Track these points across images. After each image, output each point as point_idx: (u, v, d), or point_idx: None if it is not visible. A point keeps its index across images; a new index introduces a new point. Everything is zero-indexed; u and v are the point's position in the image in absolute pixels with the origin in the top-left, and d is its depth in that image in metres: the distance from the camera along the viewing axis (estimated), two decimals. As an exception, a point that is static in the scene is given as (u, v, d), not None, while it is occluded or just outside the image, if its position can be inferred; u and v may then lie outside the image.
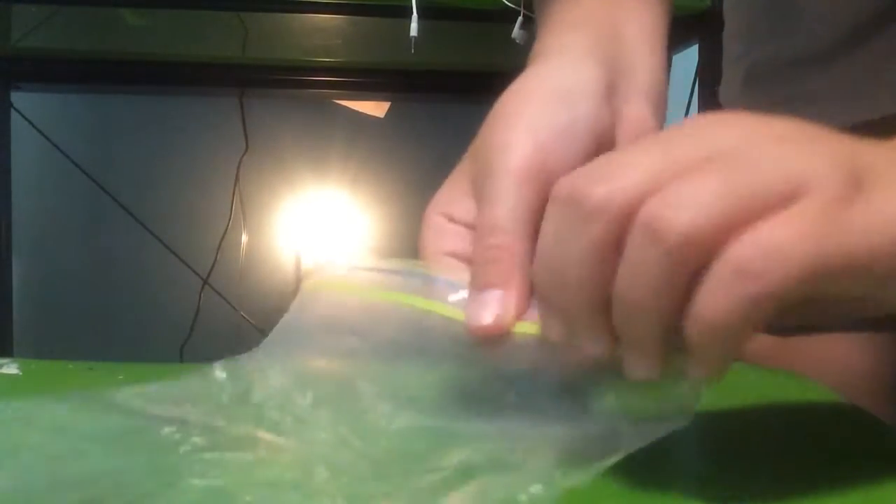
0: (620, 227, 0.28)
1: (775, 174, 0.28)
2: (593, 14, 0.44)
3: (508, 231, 0.35)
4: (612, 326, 0.30)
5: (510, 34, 1.33)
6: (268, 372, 0.35)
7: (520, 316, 0.34)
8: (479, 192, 0.37)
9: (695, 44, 1.45)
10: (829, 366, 0.58)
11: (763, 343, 0.61)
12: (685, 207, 0.27)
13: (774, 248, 0.26)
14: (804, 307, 0.29)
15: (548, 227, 0.31)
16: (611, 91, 0.40)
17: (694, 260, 0.27)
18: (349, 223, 1.99)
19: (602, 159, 0.31)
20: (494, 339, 0.34)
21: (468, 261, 0.37)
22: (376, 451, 0.33)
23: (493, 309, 0.34)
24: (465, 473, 0.30)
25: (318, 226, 1.98)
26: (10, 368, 0.48)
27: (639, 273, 0.28)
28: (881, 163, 0.30)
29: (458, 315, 0.35)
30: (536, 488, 0.28)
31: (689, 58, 1.46)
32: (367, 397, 0.35)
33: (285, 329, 0.37)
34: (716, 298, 0.27)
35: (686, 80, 1.47)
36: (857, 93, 0.54)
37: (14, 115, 1.73)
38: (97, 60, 1.68)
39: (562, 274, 0.30)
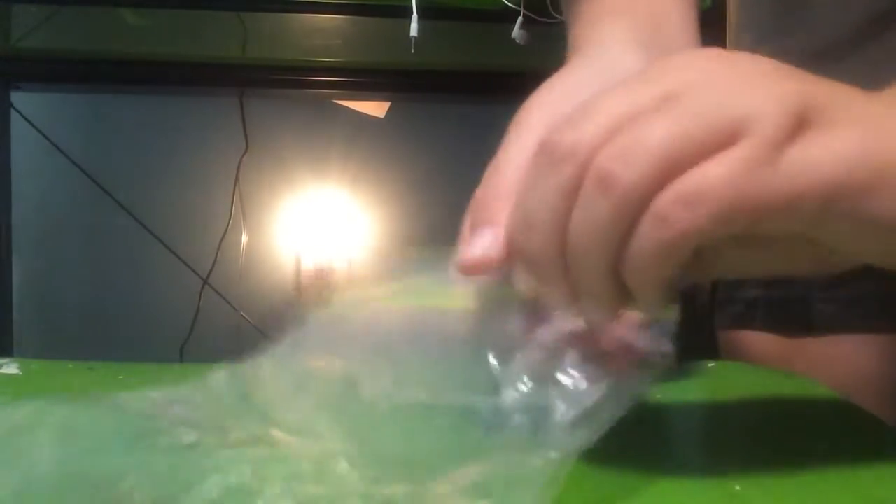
0: (582, 174, 0.30)
1: (720, 116, 0.29)
2: (633, 3, 0.44)
3: (506, 173, 0.35)
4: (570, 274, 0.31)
5: (510, 34, 1.33)
6: (267, 375, 0.36)
7: (503, 255, 0.34)
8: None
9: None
10: (835, 367, 0.58)
11: (771, 345, 0.62)
12: (630, 160, 0.29)
13: (689, 195, 0.28)
14: (743, 250, 0.31)
15: (526, 176, 0.32)
16: None
17: (635, 207, 0.29)
18: (349, 223, 1.99)
19: (578, 106, 0.32)
20: (480, 270, 0.34)
21: None
22: (388, 438, 0.33)
23: (480, 243, 0.34)
24: (481, 451, 0.30)
25: (318, 226, 1.98)
26: (10, 368, 0.48)
27: (588, 218, 0.30)
28: (836, 104, 0.30)
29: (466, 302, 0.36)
30: (552, 454, 0.29)
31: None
32: (369, 388, 0.35)
33: (284, 345, 0.38)
34: (640, 245, 0.29)
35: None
36: (868, 88, 0.54)
37: (14, 115, 1.73)
38: (97, 60, 1.68)
39: (529, 217, 0.32)
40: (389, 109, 1.94)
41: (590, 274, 0.31)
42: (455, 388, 0.34)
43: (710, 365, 0.53)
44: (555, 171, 0.30)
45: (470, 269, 0.35)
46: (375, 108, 1.94)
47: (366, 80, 1.75)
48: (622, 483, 0.33)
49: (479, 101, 1.74)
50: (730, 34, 0.66)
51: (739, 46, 0.65)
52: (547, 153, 0.31)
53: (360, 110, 1.93)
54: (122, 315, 1.95)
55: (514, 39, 1.32)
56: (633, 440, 0.38)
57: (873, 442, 0.39)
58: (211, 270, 1.93)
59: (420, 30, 1.31)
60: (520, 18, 1.32)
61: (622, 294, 0.31)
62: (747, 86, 0.30)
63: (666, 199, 0.28)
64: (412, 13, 1.31)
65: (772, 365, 0.56)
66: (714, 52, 0.32)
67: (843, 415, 0.44)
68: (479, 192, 0.36)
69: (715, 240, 0.29)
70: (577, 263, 0.31)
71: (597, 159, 0.29)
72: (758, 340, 0.62)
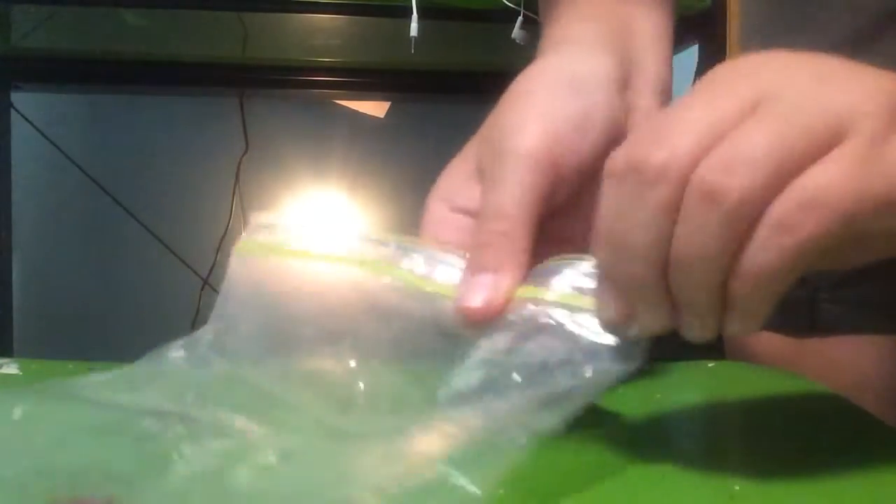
0: (680, 191, 0.29)
1: (818, 118, 0.28)
2: (604, 7, 0.44)
3: (511, 217, 0.35)
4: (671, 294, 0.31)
5: (510, 34, 1.33)
6: (226, 351, 0.35)
7: (510, 301, 0.34)
8: (487, 175, 0.37)
9: (695, 44, 1.45)
10: (840, 367, 0.58)
11: (776, 345, 0.62)
12: (738, 171, 0.28)
13: (811, 199, 0.27)
14: (845, 248, 0.30)
15: (608, 203, 0.31)
16: (623, 83, 0.40)
17: (748, 217, 0.28)
18: (349, 223, 1.98)
19: (651, 124, 0.31)
20: (481, 321, 0.34)
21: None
22: (353, 425, 0.33)
23: (484, 291, 0.34)
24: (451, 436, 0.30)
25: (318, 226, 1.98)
26: (10, 368, 0.48)
27: (694, 236, 0.29)
28: None
29: (434, 287, 0.36)
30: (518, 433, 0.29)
31: (689, 58, 1.46)
32: (330, 368, 0.35)
33: (227, 302, 0.37)
34: (761, 254, 0.28)
35: (686, 80, 1.46)
36: None
37: (14, 115, 1.73)
38: (97, 60, 1.68)
39: (626, 244, 0.30)
40: (389, 109, 1.94)
41: (697, 292, 0.30)
42: (430, 376, 0.35)
43: (710, 365, 0.53)
44: (648, 193, 0.29)
45: (471, 317, 0.34)
46: (375, 108, 1.94)
47: (366, 80, 1.75)
48: (623, 482, 0.33)
49: (479, 101, 1.74)
50: (730, 33, 0.66)
51: (748, 47, 0.65)
52: (633, 175, 0.30)
53: (360, 110, 1.93)
54: (122, 315, 1.94)
55: (514, 39, 1.32)
56: (633, 439, 0.38)
57: (873, 442, 0.39)
58: (211, 270, 1.92)
59: (420, 30, 1.31)
60: (520, 18, 1.32)
61: (725, 309, 0.30)
62: (836, 84, 0.29)
63: (787, 206, 0.28)
64: (412, 13, 1.31)
65: (777, 365, 0.56)
66: (781, 55, 0.31)
67: (843, 415, 0.44)
68: (482, 221, 0.36)
69: (836, 242, 0.28)
70: (683, 282, 0.30)
71: (698, 174, 0.28)
72: (763, 340, 0.62)
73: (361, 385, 0.34)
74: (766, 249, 0.28)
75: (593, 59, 0.40)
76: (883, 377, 0.58)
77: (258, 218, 0.38)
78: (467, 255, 0.37)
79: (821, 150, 0.28)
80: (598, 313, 0.33)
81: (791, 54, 0.31)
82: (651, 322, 0.32)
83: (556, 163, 0.36)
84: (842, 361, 0.59)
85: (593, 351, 0.32)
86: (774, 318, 0.62)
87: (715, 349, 0.66)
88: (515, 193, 0.35)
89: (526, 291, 0.35)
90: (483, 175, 0.37)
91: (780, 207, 0.28)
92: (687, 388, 0.48)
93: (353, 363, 0.35)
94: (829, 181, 0.28)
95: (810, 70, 0.31)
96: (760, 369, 0.54)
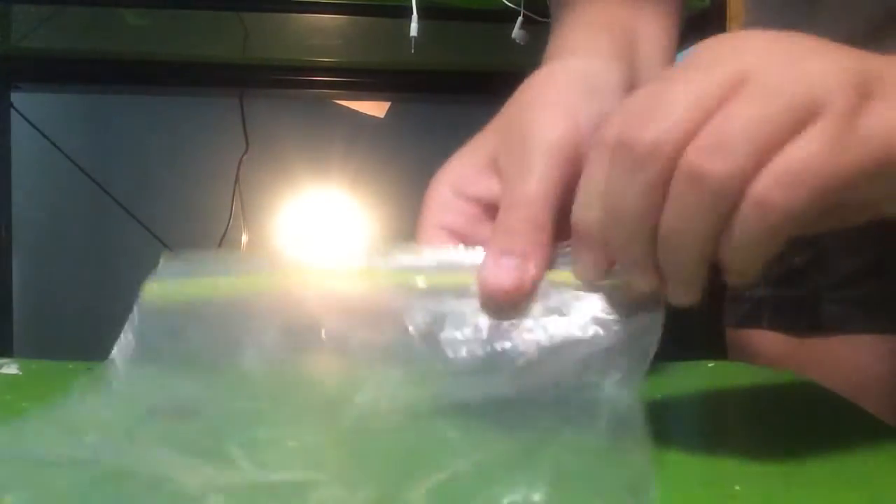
0: (669, 169, 0.31)
1: (794, 97, 0.30)
2: (612, 14, 0.45)
3: (538, 205, 0.36)
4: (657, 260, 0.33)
5: (510, 34, 1.33)
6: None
7: (534, 287, 0.36)
8: (509, 166, 0.38)
9: (695, 44, 1.44)
10: (842, 366, 0.58)
11: (776, 344, 0.62)
12: (721, 154, 0.30)
13: (790, 177, 0.29)
14: (822, 217, 0.32)
15: (597, 169, 0.33)
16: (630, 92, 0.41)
17: (732, 196, 0.30)
18: (349, 223, 1.99)
19: (639, 97, 0.33)
20: (510, 302, 0.35)
21: (464, 239, 0.38)
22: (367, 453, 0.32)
23: (513, 273, 0.35)
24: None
25: (318, 226, 1.98)
26: (10, 368, 0.48)
27: (683, 213, 0.31)
28: (890, 72, 0.32)
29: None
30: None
31: (689, 58, 1.46)
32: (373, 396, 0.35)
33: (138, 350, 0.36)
34: (744, 232, 0.30)
35: (686, 80, 1.46)
36: None
37: (14, 115, 1.73)
38: (97, 60, 1.68)
39: (615, 211, 0.32)
40: (389, 109, 1.94)
41: (683, 263, 0.32)
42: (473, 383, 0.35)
43: (710, 365, 0.53)
44: (639, 169, 0.31)
45: (499, 296, 0.35)
46: (375, 108, 1.94)
47: (366, 80, 1.75)
48: (622, 483, 0.32)
49: (479, 101, 1.74)
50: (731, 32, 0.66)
51: None
52: (625, 152, 0.31)
53: (360, 110, 1.93)
54: (122, 315, 1.94)
55: (514, 39, 1.32)
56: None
57: (873, 442, 0.39)
58: (211, 270, 1.92)
59: (420, 30, 1.31)
60: (520, 18, 1.32)
61: (708, 275, 0.32)
62: (809, 63, 0.31)
63: (765, 185, 0.29)
64: (412, 13, 1.31)
65: (777, 365, 0.56)
66: (759, 34, 0.33)
67: (844, 415, 0.44)
68: (510, 208, 0.36)
69: (814, 213, 0.30)
70: (670, 254, 0.32)
71: (685, 156, 0.30)
72: (765, 340, 0.62)
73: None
74: (748, 225, 0.30)
75: (604, 67, 0.41)
76: (883, 377, 0.58)
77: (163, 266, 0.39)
78: (474, 246, 0.38)
79: (798, 126, 0.30)
80: (575, 269, 0.35)
81: (768, 33, 0.33)
82: (643, 283, 0.34)
83: (577, 160, 0.36)
84: (842, 361, 0.59)
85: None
86: (775, 317, 0.62)
87: (715, 349, 0.66)
88: (541, 183, 0.36)
89: (552, 275, 0.36)
90: (500, 168, 0.38)
91: (760, 186, 0.30)
92: (687, 388, 0.48)
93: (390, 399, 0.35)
94: (805, 158, 0.29)
95: (786, 49, 0.32)
96: (760, 369, 0.54)
